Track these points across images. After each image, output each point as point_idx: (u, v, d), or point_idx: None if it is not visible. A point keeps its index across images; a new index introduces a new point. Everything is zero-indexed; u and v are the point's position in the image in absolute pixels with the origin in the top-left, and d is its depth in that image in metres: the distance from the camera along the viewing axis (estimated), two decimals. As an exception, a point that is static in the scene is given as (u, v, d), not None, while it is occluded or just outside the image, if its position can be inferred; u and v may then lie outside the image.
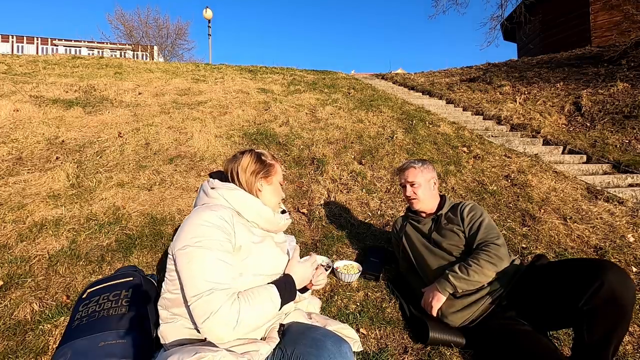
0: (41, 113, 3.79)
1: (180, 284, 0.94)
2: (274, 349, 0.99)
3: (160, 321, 0.99)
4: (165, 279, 1.01)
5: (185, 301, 0.92)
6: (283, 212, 1.31)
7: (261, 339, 1.01)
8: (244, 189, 1.14)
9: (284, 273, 1.14)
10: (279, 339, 1.01)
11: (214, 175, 1.21)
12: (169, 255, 1.00)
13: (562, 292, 1.22)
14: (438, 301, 1.46)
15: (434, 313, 1.47)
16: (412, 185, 1.72)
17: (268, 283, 1.06)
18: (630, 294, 1.10)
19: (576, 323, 1.18)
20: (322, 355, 0.90)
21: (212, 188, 1.12)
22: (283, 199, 1.30)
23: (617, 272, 1.12)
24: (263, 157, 1.20)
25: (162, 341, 0.98)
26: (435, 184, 1.76)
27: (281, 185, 1.26)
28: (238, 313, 0.89)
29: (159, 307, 1.01)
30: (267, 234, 1.17)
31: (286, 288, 1.07)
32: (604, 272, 1.12)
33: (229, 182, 1.16)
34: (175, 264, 0.96)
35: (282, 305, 1.03)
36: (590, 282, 1.12)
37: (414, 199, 1.72)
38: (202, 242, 0.94)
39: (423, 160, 1.80)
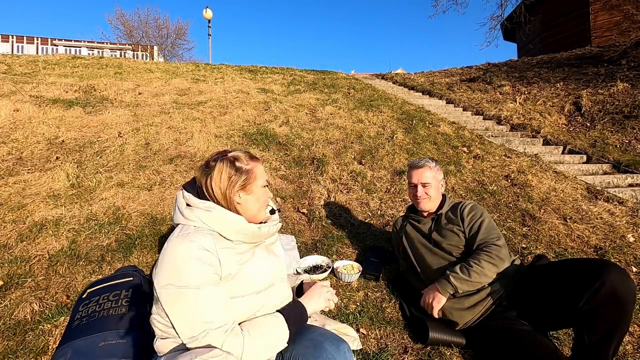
0: (41, 113, 3.79)
1: (169, 320, 0.88)
2: None
3: (156, 335, 0.95)
4: (153, 301, 0.94)
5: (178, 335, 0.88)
6: (272, 211, 1.19)
7: None
8: (222, 205, 1.02)
9: (295, 300, 1.09)
10: None
11: (189, 187, 1.08)
12: (153, 282, 0.91)
13: (562, 292, 1.22)
14: (439, 302, 1.46)
15: (435, 314, 1.47)
16: (424, 185, 1.68)
17: (277, 310, 1.01)
18: (630, 293, 1.10)
19: (576, 323, 1.18)
20: (321, 355, 0.90)
21: (188, 205, 1.01)
22: (271, 197, 1.17)
23: (618, 271, 1.12)
24: (238, 164, 1.04)
25: (158, 353, 0.93)
26: (442, 185, 1.75)
27: (267, 185, 1.12)
28: (242, 348, 0.85)
29: (151, 322, 0.95)
30: (255, 243, 1.10)
31: (298, 319, 1.02)
32: (604, 272, 1.11)
33: (205, 195, 1.03)
34: (158, 297, 0.89)
35: (291, 336, 0.97)
36: (591, 282, 1.12)
37: (424, 199, 1.69)
38: (186, 280, 0.86)
39: (435, 160, 1.77)
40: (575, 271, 1.22)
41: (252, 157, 1.09)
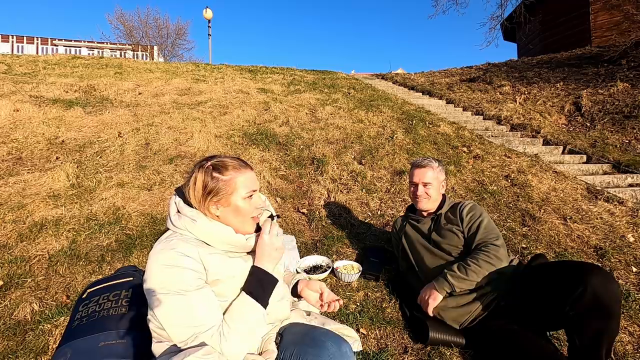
0: (41, 113, 3.79)
1: (160, 324, 0.89)
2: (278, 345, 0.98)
3: (153, 338, 0.95)
4: (148, 305, 0.94)
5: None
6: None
7: (258, 354, 0.98)
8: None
9: (251, 267, 1.02)
10: (276, 351, 0.97)
11: (180, 191, 1.05)
12: (143, 287, 0.92)
13: (550, 296, 1.23)
14: (435, 300, 1.46)
15: (430, 311, 1.47)
16: (425, 185, 1.68)
17: (241, 290, 0.97)
18: (613, 296, 1.10)
19: (566, 326, 1.19)
20: (322, 355, 0.89)
21: (178, 212, 0.99)
22: (260, 207, 1.09)
23: (599, 275, 1.12)
24: (216, 173, 0.97)
25: (155, 355, 0.93)
26: (443, 186, 1.75)
27: (250, 196, 1.02)
28: (229, 347, 0.86)
29: (148, 323, 0.95)
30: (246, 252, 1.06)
31: (261, 286, 0.96)
32: (586, 277, 1.12)
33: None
34: (148, 303, 0.91)
35: (265, 304, 0.95)
36: (573, 287, 1.13)
37: (424, 198, 1.69)
38: (169, 287, 0.87)
39: (438, 160, 1.77)
40: (561, 275, 1.23)
41: (237, 166, 1.01)
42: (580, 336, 1.12)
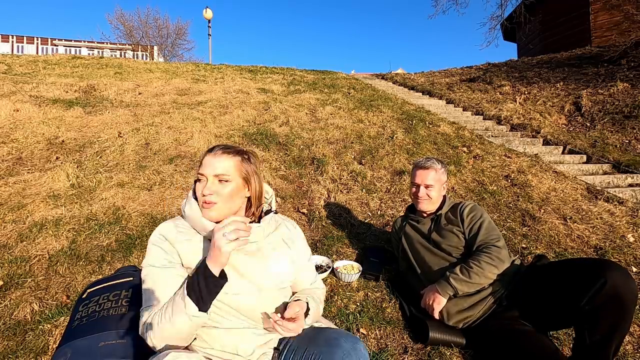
0: (41, 113, 3.79)
1: None
2: (281, 351, 0.98)
3: None
4: None
5: None
6: (268, 212, 1.10)
7: None
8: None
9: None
10: None
11: None
12: None
13: (563, 292, 1.22)
14: (439, 304, 1.46)
15: (436, 315, 1.47)
16: (427, 187, 1.67)
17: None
18: (632, 293, 1.10)
19: (577, 323, 1.18)
20: (336, 352, 0.88)
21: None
22: (205, 195, 0.96)
23: (619, 271, 1.12)
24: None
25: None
26: (445, 187, 1.74)
27: (199, 180, 0.99)
28: (152, 327, 0.90)
29: None
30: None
31: (199, 284, 0.85)
32: (607, 271, 1.11)
33: None
34: None
35: (203, 303, 0.85)
36: (593, 281, 1.12)
37: (424, 199, 1.68)
38: (145, 262, 0.97)
39: (441, 161, 1.75)
40: (577, 270, 1.22)
41: (212, 148, 1.01)
42: (592, 332, 1.11)
